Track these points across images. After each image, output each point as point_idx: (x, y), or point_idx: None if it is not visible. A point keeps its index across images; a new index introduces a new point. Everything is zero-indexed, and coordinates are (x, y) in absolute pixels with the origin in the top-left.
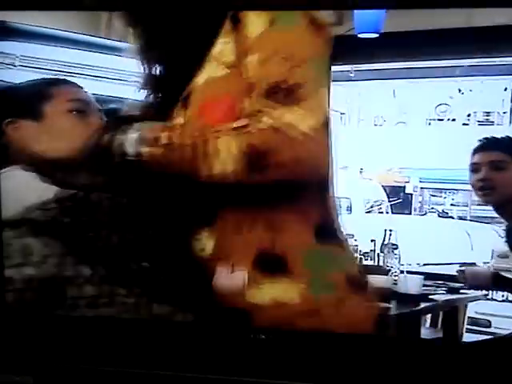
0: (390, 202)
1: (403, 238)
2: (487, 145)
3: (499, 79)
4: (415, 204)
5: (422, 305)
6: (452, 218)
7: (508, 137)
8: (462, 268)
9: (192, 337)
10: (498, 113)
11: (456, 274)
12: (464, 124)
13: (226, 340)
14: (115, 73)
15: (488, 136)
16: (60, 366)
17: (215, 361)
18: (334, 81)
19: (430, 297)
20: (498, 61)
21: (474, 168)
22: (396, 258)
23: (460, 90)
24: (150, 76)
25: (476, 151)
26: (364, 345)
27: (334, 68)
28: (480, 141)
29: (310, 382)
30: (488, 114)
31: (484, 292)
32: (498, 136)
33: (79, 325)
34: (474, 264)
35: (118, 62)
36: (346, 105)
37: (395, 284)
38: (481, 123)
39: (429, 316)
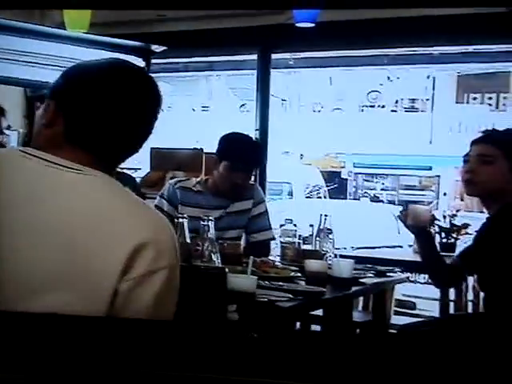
0: (327, 186)
1: (338, 222)
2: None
3: (423, 67)
4: (350, 189)
5: (354, 288)
6: (382, 202)
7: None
8: (405, 207)
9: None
10: (422, 100)
11: (398, 214)
12: (392, 111)
13: (218, 338)
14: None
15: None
16: (52, 364)
17: (205, 359)
18: (274, 68)
19: (361, 280)
20: (421, 50)
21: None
22: (331, 243)
23: (389, 78)
24: None
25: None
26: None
27: (274, 56)
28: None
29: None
30: (413, 100)
31: (407, 274)
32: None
33: (71, 323)
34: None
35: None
36: (287, 91)
37: (330, 268)
38: (407, 110)
39: (361, 299)
